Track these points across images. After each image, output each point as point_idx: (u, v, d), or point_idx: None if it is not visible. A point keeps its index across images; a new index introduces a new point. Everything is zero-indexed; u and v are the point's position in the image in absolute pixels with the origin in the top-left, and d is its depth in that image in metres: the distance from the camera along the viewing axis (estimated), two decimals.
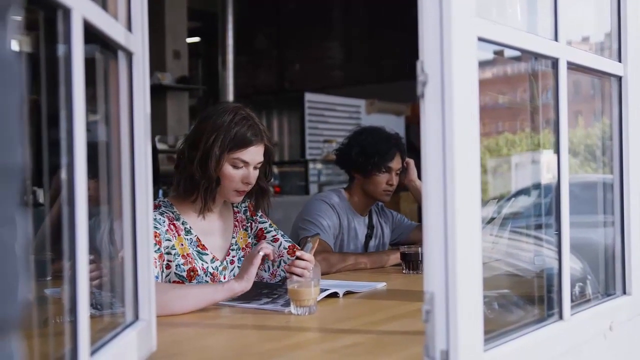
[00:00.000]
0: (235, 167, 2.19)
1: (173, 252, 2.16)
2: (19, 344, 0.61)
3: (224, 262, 2.30)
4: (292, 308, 1.87)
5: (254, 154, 2.21)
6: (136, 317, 1.38)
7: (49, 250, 1.89)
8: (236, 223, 2.38)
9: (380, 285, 2.36)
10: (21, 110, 0.61)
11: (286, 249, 2.35)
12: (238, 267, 2.32)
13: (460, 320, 1.16)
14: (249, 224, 2.42)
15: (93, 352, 1.10)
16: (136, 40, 1.37)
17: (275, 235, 2.40)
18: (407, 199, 6.46)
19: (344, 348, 1.56)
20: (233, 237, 2.35)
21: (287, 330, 1.76)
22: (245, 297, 2.03)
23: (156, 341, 1.44)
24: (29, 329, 1.02)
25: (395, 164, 3.01)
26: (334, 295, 2.13)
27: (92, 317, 1.07)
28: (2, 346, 0.58)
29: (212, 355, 1.58)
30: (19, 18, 0.63)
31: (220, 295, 1.96)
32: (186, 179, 2.21)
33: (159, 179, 5.03)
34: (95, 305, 1.32)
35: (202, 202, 2.23)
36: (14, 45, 0.61)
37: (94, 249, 1.18)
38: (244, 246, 2.37)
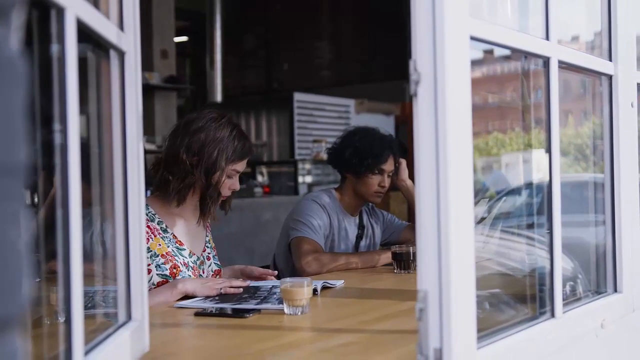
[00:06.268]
0: (228, 177, 2.33)
1: (149, 254, 2.21)
2: (23, 341, 0.61)
3: (201, 257, 2.40)
4: (285, 308, 1.87)
5: (245, 164, 2.39)
6: (129, 317, 1.37)
7: (39, 251, 1.88)
8: (207, 224, 2.50)
9: (339, 283, 2.37)
10: (24, 109, 0.61)
11: (212, 271, 2.45)
12: (214, 263, 2.46)
13: (454, 318, 1.16)
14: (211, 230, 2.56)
15: (86, 353, 1.09)
16: (128, 39, 1.37)
17: (211, 252, 2.51)
18: (396, 199, 6.47)
19: (337, 347, 1.56)
20: (207, 236, 2.48)
21: (280, 330, 1.76)
22: (231, 300, 2.03)
23: (149, 341, 1.44)
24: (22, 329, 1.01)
25: (388, 166, 3.01)
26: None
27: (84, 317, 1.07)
28: (6, 343, 0.58)
29: (205, 355, 1.58)
30: (22, 17, 0.63)
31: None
32: (186, 186, 2.28)
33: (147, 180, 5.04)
34: (86, 305, 1.31)
35: (203, 210, 2.33)
36: (17, 44, 0.61)
37: (85, 250, 1.17)
38: (214, 246, 2.51)
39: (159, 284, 2.20)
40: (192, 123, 2.30)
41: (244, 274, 2.48)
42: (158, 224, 2.30)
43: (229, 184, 2.34)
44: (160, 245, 2.26)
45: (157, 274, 2.22)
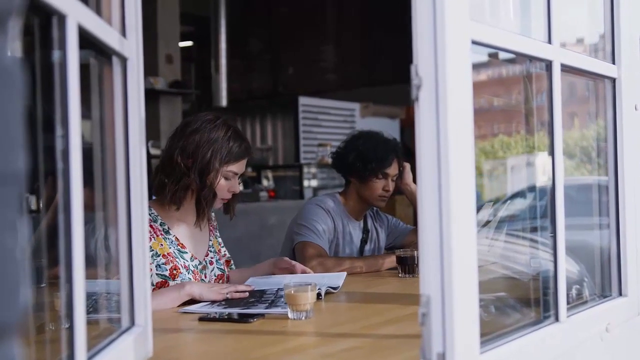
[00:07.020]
0: (226, 178, 2.32)
1: (151, 253, 2.22)
2: (20, 348, 0.62)
3: (204, 262, 2.40)
4: (289, 313, 1.87)
5: (243, 165, 2.37)
6: (132, 322, 1.37)
7: (44, 256, 1.89)
8: (211, 228, 2.50)
9: (342, 276, 2.43)
10: (23, 117, 0.61)
11: (215, 276, 2.45)
12: (217, 267, 2.45)
13: (457, 322, 1.16)
14: (217, 232, 2.55)
15: (89, 358, 1.09)
16: (130, 45, 1.37)
17: (221, 250, 2.53)
18: (402, 203, 6.46)
19: (341, 352, 1.55)
20: (210, 240, 2.47)
21: (285, 335, 1.76)
22: (238, 305, 2.03)
23: (152, 347, 1.44)
24: (25, 335, 1.01)
25: (392, 170, 3.01)
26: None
27: (87, 322, 1.07)
28: (4, 350, 0.58)
29: None
30: (19, 24, 0.64)
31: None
32: (182, 189, 2.28)
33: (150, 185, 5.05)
34: (89, 310, 1.32)
35: (199, 212, 2.33)
36: (15, 52, 0.62)
37: (88, 255, 1.17)
38: (218, 250, 2.50)
39: (158, 285, 2.21)
40: (189, 126, 2.32)
41: (278, 266, 2.50)
42: (160, 225, 2.30)
43: (228, 186, 2.33)
44: (162, 245, 2.27)
45: (156, 274, 2.22)
